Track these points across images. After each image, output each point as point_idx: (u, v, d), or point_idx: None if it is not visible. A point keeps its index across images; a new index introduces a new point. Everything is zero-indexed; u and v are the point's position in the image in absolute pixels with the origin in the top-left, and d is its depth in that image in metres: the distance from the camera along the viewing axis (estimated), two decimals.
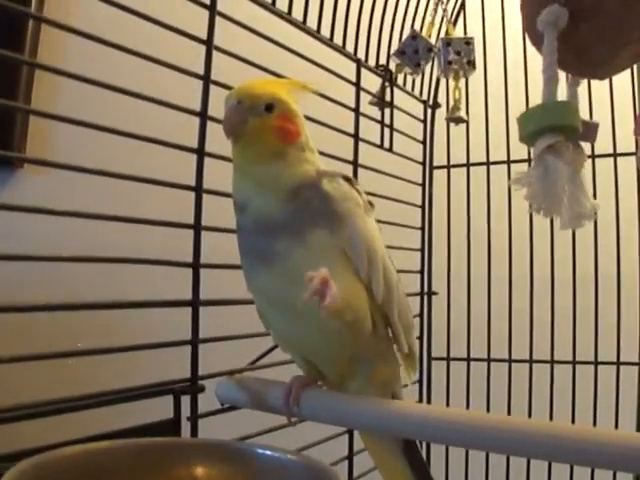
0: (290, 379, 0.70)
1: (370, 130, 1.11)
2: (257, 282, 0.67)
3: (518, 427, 0.58)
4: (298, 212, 0.63)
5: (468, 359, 1.29)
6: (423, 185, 1.33)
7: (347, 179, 0.69)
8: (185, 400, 0.76)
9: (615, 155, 1.22)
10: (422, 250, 1.31)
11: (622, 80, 1.09)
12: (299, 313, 0.61)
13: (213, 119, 0.78)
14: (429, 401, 1.29)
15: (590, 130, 0.81)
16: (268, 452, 0.62)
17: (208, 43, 0.78)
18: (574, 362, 1.23)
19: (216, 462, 0.62)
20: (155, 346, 0.73)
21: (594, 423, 1.20)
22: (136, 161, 0.91)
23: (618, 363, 1.21)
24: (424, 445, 1.22)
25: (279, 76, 0.87)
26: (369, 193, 1.05)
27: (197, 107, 0.78)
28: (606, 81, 1.16)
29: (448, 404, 1.28)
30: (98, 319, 0.87)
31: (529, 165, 1.23)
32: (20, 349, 0.61)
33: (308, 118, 0.85)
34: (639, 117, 0.98)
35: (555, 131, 0.71)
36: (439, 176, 1.35)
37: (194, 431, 0.76)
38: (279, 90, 0.66)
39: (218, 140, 0.78)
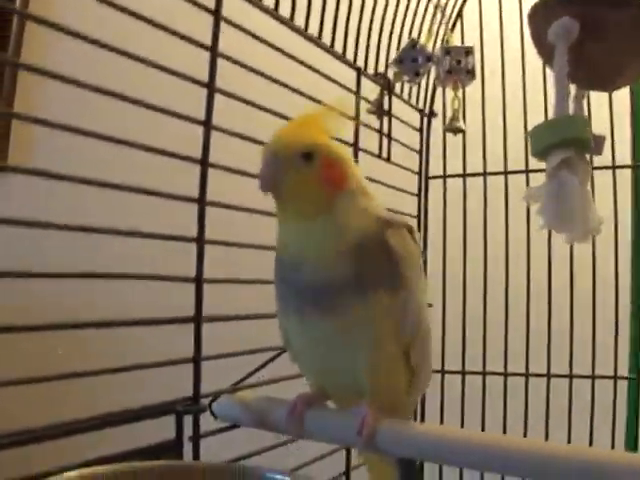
0: (295, 397, 0.68)
1: (365, 139, 1.09)
2: (305, 330, 0.64)
3: (508, 446, 0.57)
4: (361, 270, 0.60)
5: (463, 372, 1.27)
6: (419, 195, 1.31)
7: (409, 230, 0.66)
8: (186, 419, 0.73)
9: (614, 167, 1.21)
10: None
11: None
12: (349, 366, 0.63)
13: (217, 128, 0.76)
14: (423, 414, 1.27)
15: (597, 143, 0.80)
16: (276, 476, 0.60)
17: (212, 50, 0.76)
18: (571, 376, 1.22)
19: None
20: (156, 365, 0.71)
21: (590, 438, 1.19)
22: (134, 168, 0.89)
23: (616, 377, 1.20)
24: None
25: (281, 84, 0.85)
26: None
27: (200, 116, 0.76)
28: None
29: (442, 418, 1.26)
30: (91, 338, 0.84)
31: (526, 176, 1.22)
32: (8, 372, 0.58)
33: None
34: None
35: (568, 145, 0.69)
36: (435, 186, 1.33)
37: (196, 451, 0.74)
38: (318, 133, 0.62)
39: (222, 150, 0.77)
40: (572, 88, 0.76)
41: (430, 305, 1.29)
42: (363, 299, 0.60)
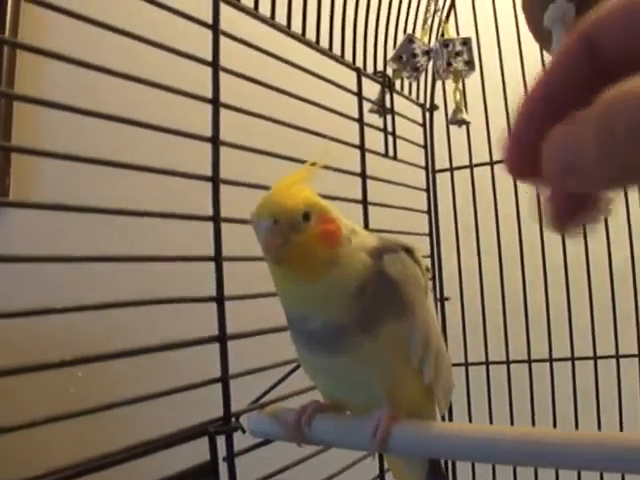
0: (303, 404, 0.69)
1: (370, 139, 1.08)
2: (317, 364, 0.65)
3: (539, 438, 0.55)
4: (366, 308, 0.60)
5: (487, 363, 1.26)
6: (427, 190, 1.30)
7: (407, 250, 0.65)
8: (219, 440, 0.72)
9: None
10: (432, 256, 1.28)
11: None
12: (364, 389, 0.64)
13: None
14: (450, 409, 1.26)
15: None
16: None
17: (214, 64, 0.75)
18: (595, 357, 1.21)
19: None
20: (183, 389, 0.70)
21: (620, 422, 1.19)
22: (138, 188, 0.88)
23: None
24: (450, 464, 1.20)
25: (283, 92, 0.84)
26: (374, 203, 1.03)
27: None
28: None
29: (470, 410, 1.26)
30: (112, 369, 0.83)
31: None
32: (34, 409, 0.57)
33: (311, 132, 0.83)
34: None
35: None
36: (443, 180, 1.32)
37: (232, 471, 0.73)
38: (306, 191, 0.60)
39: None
40: None
41: (447, 299, 1.29)
42: (371, 335, 0.60)
